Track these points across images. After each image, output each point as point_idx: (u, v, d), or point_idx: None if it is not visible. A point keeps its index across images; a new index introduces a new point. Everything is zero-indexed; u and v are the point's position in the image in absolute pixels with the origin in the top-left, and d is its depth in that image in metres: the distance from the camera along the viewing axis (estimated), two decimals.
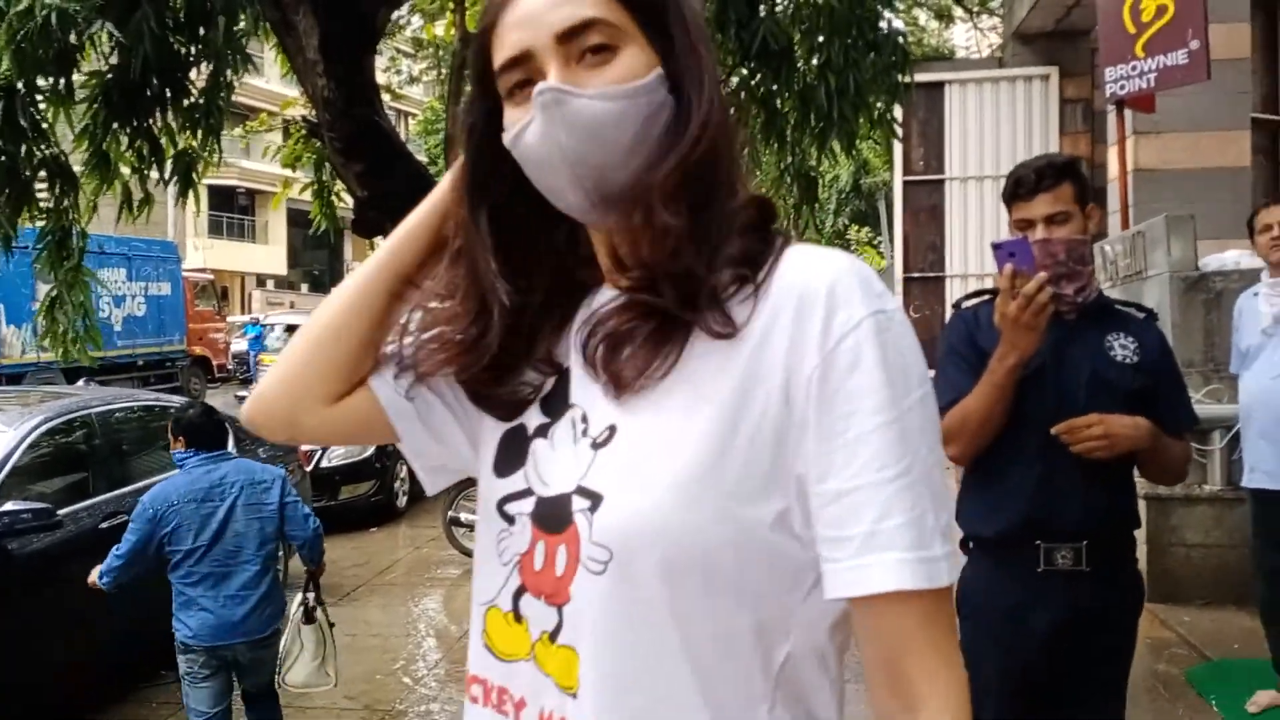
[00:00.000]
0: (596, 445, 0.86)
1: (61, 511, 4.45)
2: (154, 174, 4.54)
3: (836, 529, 0.78)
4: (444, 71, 17.63)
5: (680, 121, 0.86)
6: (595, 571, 0.82)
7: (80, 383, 11.95)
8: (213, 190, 30.11)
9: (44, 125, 4.01)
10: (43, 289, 13.33)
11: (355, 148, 4.40)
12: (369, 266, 1.02)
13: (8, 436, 4.59)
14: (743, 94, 4.68)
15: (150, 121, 4.34)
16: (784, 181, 4.82)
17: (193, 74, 4.40)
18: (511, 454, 0.93)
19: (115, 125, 4.26)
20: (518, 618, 0.89)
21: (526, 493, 0.90)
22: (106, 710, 4.71)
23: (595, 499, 0.83)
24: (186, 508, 3.50)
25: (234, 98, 4.82)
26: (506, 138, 0.89)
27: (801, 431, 0.79)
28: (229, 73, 4.47)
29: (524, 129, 0.86)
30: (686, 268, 0.83)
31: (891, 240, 21.52)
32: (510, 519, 0.90)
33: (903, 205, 15.16)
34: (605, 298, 0.90)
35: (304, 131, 4.61)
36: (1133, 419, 2.15)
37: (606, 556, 0.81)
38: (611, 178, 0.84)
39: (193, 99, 4.44)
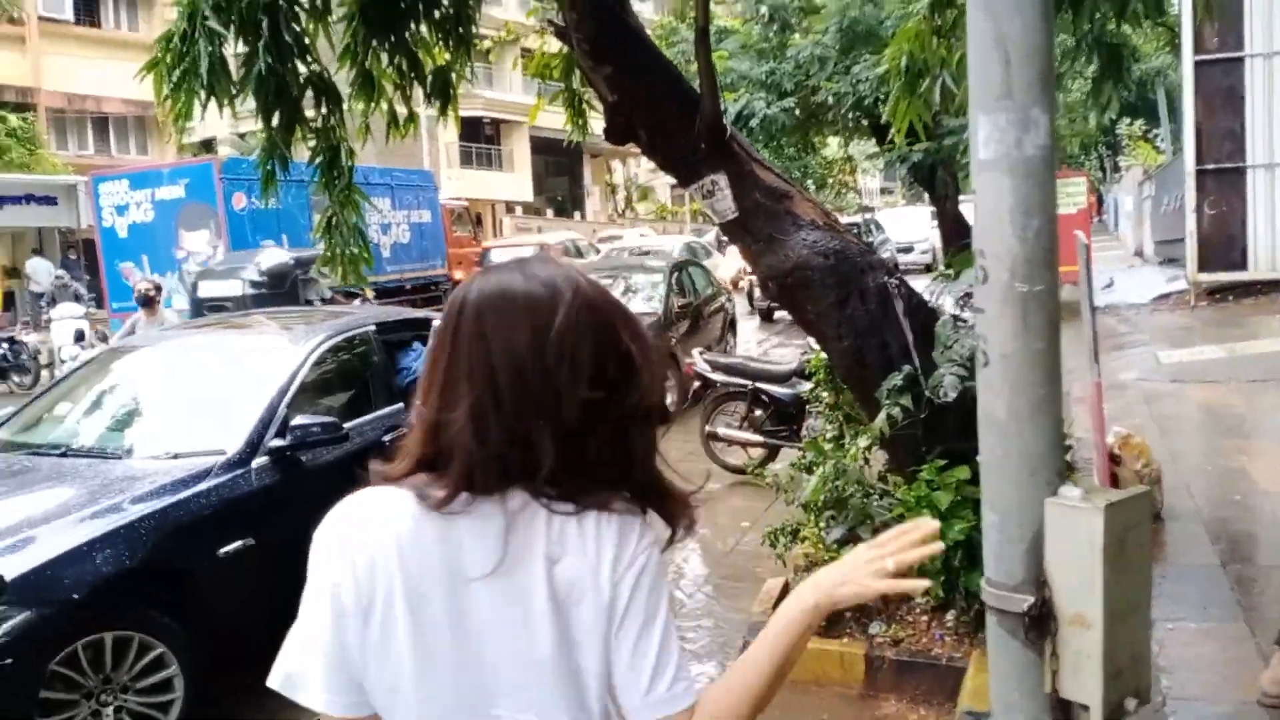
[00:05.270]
0: None
1: (346, 425, 4.64)
2: (418, 94, 4.56)
3: None
4: None
5: None
6: None
7: (356, 302, 12.79)
8: (461, 121, 31.43)
9: (305, 41, 4.06)
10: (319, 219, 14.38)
11: (603, 48, 4.21)
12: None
13: (295, 353, 4.81)
14: None
15: (407, 35, 4.34)
16: (1080, 52, 4.19)
17: None
18: None
19: (374, 42, 4.29)
20: None
21: None
22: None
23: None
24: None
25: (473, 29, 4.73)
26: None
27: None
28: None
29: None
30: None
31: (1177, 131, 19.25)
32: None
33: (1194, 90, 13.42)
34: None
35: (552, 33, 4.46)
36: None
37: None
38: None
39: (443, 8, 4.39)
